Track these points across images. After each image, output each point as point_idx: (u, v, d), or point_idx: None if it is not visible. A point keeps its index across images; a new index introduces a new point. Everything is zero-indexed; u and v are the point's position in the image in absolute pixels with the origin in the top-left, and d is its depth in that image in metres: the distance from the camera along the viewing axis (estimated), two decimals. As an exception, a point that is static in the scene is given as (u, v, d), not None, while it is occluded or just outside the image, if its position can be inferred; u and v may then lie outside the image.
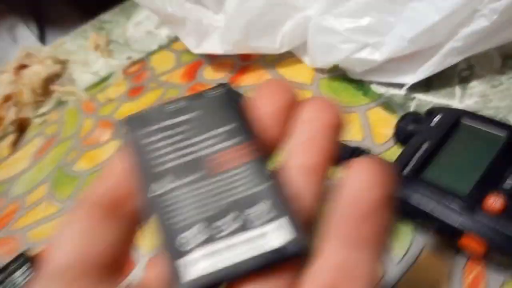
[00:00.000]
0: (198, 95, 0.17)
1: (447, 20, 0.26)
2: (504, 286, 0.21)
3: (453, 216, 0.20)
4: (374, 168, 0.14)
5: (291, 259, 0.15)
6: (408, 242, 0.24)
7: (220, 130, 0.16)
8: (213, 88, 0.17)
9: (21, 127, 0.45)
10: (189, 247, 0.15)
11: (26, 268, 0.26)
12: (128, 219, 0.17)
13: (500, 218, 0.19)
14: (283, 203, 0.15)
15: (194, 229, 0.15)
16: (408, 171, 0.22)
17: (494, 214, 0.19)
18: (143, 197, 0.15)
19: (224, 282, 0.15)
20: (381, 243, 0.14)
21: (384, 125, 0.30)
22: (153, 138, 0.16)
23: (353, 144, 0.27)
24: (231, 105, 0.17)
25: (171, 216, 0.15)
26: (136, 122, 0.16)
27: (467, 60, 0.32)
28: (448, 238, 0.21)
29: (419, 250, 0.24)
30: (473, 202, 0.20)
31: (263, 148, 0.16)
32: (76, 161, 0.39)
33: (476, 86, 0.31)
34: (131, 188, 0.16)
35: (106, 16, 0.58)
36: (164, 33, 0.50)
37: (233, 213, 0.15)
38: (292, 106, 0.17)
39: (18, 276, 0.26)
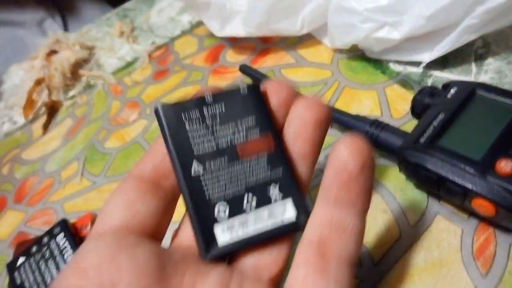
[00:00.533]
0: (231, 91, 0.20)
1: (464, -3, 0.27)
2: (516, 247, 0.23)
3: (466, 178, 0.21)
4: (355, 142, 0.17)
5: (292, 232, 0.18)
6: (423, 208, 0.26)
7: (248, 122, 0.19)
8: (244, 86, 0.20)
9: (53, 109, 0.48)
10: (221, 218, 0.18)
11: (67, 233, 0.29)
12: (168, 194, 0.19)
13: (510, 180, 0.20)
14: (289, 187, 0.18)
15: (224, 204, 0.18)
16: (424, 139, 0.24)
17: (504, 176, 0.21)
18: (182, 176, 0.18)
19: (247, 247, 0.18)
20: (363, 203, 0.17)
21: (401, 101, 0.32)
22: (189, 125, 0.19)
23: (372, 117, 0.28)
24: (258, 101, 0.19)
25: (207, 192, 0.18)
26: (172, 109, 0.19)
27: (483, 38, 0.33)
28: (461, 201, 0.23)
29: (433, 215, 0.25)
30: (485, 166, 0.21)
31: (279, 139, 0.19)
32: (106, 139, 0.41)
33: (492, 63, 0.32)
34: (171, 167, 0.18)
35: (129, 5, 0.60)
36: (186, 19, 0.52)
37: (252, 193, 0.18)
38: (291, 101, 0.20)
39: (61, 239, 0.28)
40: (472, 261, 0.23)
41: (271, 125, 0.19)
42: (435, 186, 0.23)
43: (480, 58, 0.32)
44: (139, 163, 0.19)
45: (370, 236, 0.26)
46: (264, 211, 0.18)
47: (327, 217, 0.18)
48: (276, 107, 0.20)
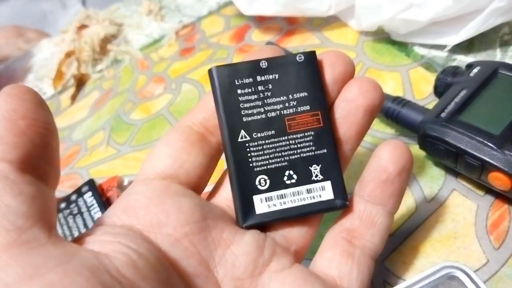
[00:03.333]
0: (286, 58, 0.19)
1: (493, -20, 0.28)
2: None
3: (485, 151, 0.22)
4: (398, 147, 0.18)
5: (327, 210, 0.19)
6: (440, 185, 0.26)
7: (300, 94, 0.19)
8: (300, 54, 0.19)
9: (81, 81, 0.49)
10: (261, 188, 0.18)
11: (94, 192, 0.30)
12: (213, 151, 0.20)
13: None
14: (331, 169, 0.19)
15: (265, 176, 0.19)
16: (445, 114, 0.24)
17: (521, 151, 0.21)
18: (228, 140, 0.18)
19: (282, 220, 0.19)
20: (394, 203, 0.19)
21: (424, 83, 0.32)
22: (241, 91, 0.19)
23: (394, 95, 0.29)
24: (312, 73, 0.19)
25: (251, 160, 0.18)
26: (226, 72, 0.19)
27: (510, 24, 0.33)
28: (478, 174, 0.23)
29: (449, 191, 0.26)
30: (503, 140, 0.22)
31: (328, 117, 0.19)
32: (132, 111, 0.42)
33: (517, 49, 0.32)
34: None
35: (158, -15, 0.61)
36: (213, 0, 0.53)
37: (294, 169, 0.19)
38: (347, 77, 0.19)
39: (88, 197, 0.30)
40: (486, 234, 0.23)
41: (323, 101, 0.19)
42: (454, 159, 0.24)
43: (505, 44, 0.32)
44: (189, 113, 0.20)
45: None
46: (303, 189, 0.19)
47: (359, 210, 0.19)
48: (330, 81, 0.19)
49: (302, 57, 0.19)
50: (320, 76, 0.19)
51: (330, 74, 0.19)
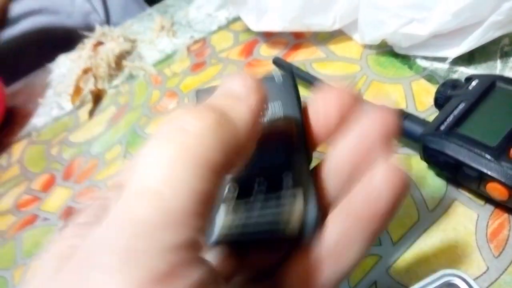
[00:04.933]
0: (265, 79, 0.19)
1: (490, -5, 0.29)
2: (530, 232, 0.24)
3: (482, 162, 0.23)
4: (394, 175, 0.16)
5: (293, 241, 0.17)
6: (442, 195, 0.27)
7: (277, 105, 0.18)
8: (278, 75, 0.19)
9: (98, 97, 0.51)
10: (227, 199, 0.17)
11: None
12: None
13: (522, 166, 0.22)
14: (303, 180, 0.17)
15: (234, 185, 0.17)
16: (444, 127, 0.25)
17: (517, 162, 0.22)
18: None
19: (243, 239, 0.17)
20: (380, 225, 0.16)
21: (426, 94, 0.33)
22: None
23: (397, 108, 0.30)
24: (289, 89, 0.19)
25: None
26: (207, 94, 0.17)
27: (510, 36, 0.34)
28: (476, 185, 0.24)
29: (451, 201, 0.27)
30: (500, 151, 0.23)
31: (307, 133, 0.18)
32: (147, 125, 0.44)
33: (517, 60, 0.33)
34: None
35: (169, 1, 0.63)
36: (223, 15, 0.54)
37: (264, 177, 0.17)
38: (347, 111, 0.18)
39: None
40: (486, 243, 0.24)
41: (298, 112, 0.18)
42: (453, 171, 0.25)
43: (505, 55, 0.33)
44: None
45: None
46: (272, 199, 0.17)
47: (337, 231, 0.17)
48: (327, 114, 0.18)
49: (281, 77, 0.19)
50: (297, 92, 0.19)
51: (333, 109, 0.18)
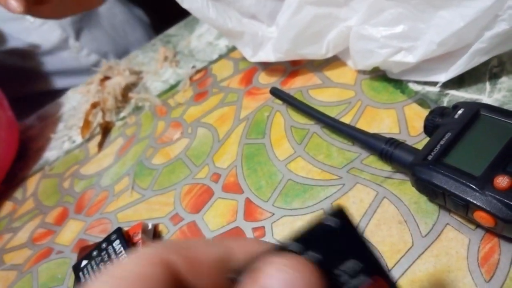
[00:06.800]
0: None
1: (472, 25, 0.30)
2: (521, 255, 0.25)
3: (468, 192, 0.24)
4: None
5: None
6: (434, 220, 0.28)
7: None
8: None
9: (106, 129, 0.53)
10: None
11: (122, 239, 0.33)
12: None
13: (506, 194, 0.23)
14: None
15: None
16: (432, 156, 0.26)
17: (500, 191, 0.23)
18: None
19: None
20: None
21: (418, 119, 0.34)
22: None
23: (387, 136, 0.31)
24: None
25: None
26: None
27: (498, 57, 0.35)
28: (464, 213, 0.25)
29: (443, 226, 0.28)
30: (484, 181, 0.24)
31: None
32: (153, 156, 0.46)
33: (506, 81, 0.33)
34: None
35: (172, 31, 0.66)
36: (223, 43, 0.56)
37: None
38: None
39: (117, 244, 0.33)
40: (477, 267, 0.25)
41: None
42: (442, 199, 0.26)
43: (494, 76, 0.34)
44: None
45: (386, 244, 0.29)
46: None
47: None
48: None
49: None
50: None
51: None
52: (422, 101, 0.36)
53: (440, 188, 0.25)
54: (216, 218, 0.36)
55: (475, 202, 0.24)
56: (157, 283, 0.14)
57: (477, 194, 0.24)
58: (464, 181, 0.24)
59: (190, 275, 0.15)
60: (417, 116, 0.35)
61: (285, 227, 0.33)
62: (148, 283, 0.14)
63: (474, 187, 0.24)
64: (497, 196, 0.23)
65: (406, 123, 0.35)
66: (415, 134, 0.33)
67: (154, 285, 0.14)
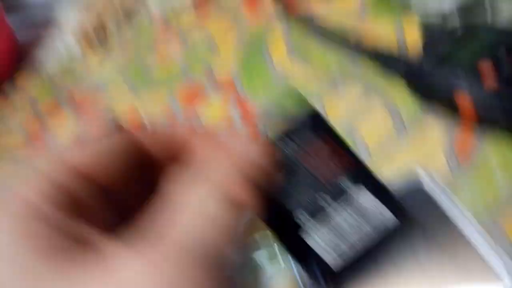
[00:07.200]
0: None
1: None
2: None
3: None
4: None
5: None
6: (414, 112, 0.30)
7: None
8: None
9: (104, 37, 0.53)
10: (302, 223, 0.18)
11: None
12: None
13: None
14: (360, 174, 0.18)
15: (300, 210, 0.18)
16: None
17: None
18: None
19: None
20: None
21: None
22: None
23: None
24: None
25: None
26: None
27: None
28: (449, 100, 0.27)
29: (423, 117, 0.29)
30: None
31: None
32: (149, 60, 0.47)
33: None
34: None
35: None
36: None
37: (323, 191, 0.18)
38: None
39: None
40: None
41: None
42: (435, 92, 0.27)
43: None
44: None
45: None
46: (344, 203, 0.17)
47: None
48: None
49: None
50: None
51: None
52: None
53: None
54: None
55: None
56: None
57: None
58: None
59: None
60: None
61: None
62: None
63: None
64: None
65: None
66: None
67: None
